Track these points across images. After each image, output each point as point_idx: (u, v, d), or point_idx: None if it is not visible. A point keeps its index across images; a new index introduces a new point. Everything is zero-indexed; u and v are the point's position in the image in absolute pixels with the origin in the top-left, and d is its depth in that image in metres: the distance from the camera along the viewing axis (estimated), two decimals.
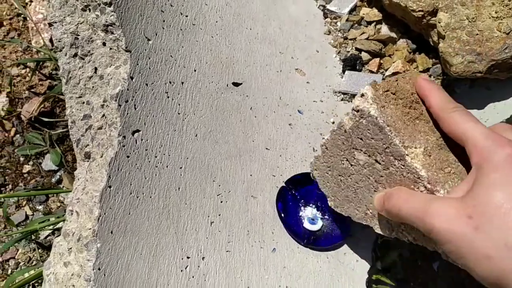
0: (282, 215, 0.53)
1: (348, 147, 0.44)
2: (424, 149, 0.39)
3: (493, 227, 0.32)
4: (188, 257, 0.46)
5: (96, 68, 0.50)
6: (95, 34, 0.50)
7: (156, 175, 0.47)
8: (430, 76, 0.64)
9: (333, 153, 0.47)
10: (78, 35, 0.50)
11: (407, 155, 0.38)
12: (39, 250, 0.63)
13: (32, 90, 0.72)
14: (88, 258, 0.40)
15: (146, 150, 0.47)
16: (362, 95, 0.41)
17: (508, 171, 0.33)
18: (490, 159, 0.34)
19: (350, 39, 0.69)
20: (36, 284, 0.60)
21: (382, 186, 0.42)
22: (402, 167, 0.39)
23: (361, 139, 0.42)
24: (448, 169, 0.39)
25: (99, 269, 0.39)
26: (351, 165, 0.45)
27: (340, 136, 0.45)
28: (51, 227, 0.63)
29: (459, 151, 0.38)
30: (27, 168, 0.69)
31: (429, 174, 0.38)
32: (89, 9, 0.50)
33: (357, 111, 0.41)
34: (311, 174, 0.51)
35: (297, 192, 0.55)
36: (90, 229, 0.41)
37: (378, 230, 0.45)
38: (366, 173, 0.44)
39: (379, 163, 0.42)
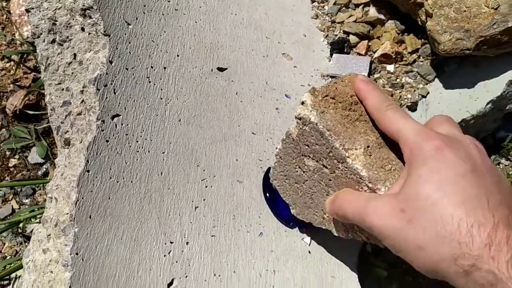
0: (267, 195, 0.52)
1: (298, 155, 0.45)
2: (364, 149, 0.40)
3: (424, 218, 0.32)
4: (171, 242, 0.45)
5: (75, 54, 0.49)
6: (73, 19, 0.49)
7: (137, 160, 0.46)
8: (419, 57, 0.63)
9: (287, 162, 0.47)
10: (56, 21, 0.49)
11: (348, 157, 0.39)
12: (26, 243, 0.62)
13: (17, 83, 0.71)
14: (66, 243, 0.39)
15: (127, 135, 0.46)
16: (302, 103, 0.42)
17: (435, 162, 0.34)
18: (419, 154, 0.35)
19: (338, 23, 0.68)
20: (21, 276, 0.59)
21: (333, 190, 0.43)
22: (346, 169, 0.40)
23: (307, 145, 0.43)
24: (389, 167, 0.39)
25: (76, 253, 0.38)
26: (303, 171, 0.46)
27: (289, 145, 0.46)
28: (37, 220, 0.62)
29: (399, 147, 0.39)
30: (13, 162, 0.68)
31: (369, 173, 0.39)
32: None
33: (300, 119, 0.42)
34: (272, 184, 0.51)
35: None
36: (67, 213, 0.40)
37: (336, 233, 0.45)
38: (317, 178, 0.45)
39: (326, 167, 0.43)
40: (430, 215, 0.32)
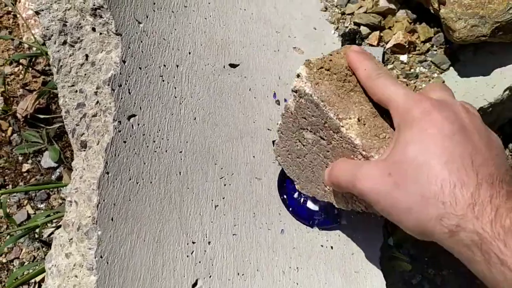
0: (284, 197, 0.52)
1: (297, 128, 0.46)
2: (358, 118, 0.40)
3: (409, 180, 0.33)
4: (193, 242, 0.45)
5: (87, 55, 0.49)
6: (83, 19, 0.48)
7: (155, 160, 0.46)
8: (432, 46, 0.62)
9: (288, 137, 0.48)
10: (67, 22, 0.48)
11: (342, 126, 0.40)
12: (43, 249, 0.62)
13: (26, 87, 0.70)
14: (90, 246, 0.38)
15: (144, 135, 0.46)
16: (298, 75, 0.43)
17: (423, 124, 0.34)
18: (407, 117, 0.35)
19: (348, 14, 0.67)
20: (41, 282, 0.58)
21: (331, 161, 0.44)
22: (341, 139, 0.41)
23: (304, 118, 0.44)
24: (383, 135, 0.40)
25: (101, 257, 0.38)
26: (303, 145, 0.46)
27: (288, 119, 0.46)
28: (53, 224, 0.62)
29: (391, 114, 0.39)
30: (26, 166, 0.67)
31: (363, 142, 0.39)
32: None
33: (295, 91, 0.43)
34: (276, 161, 0.52)
35: None
36: (89, 217, 0.39)
37: (337, 205, 0.46)
38: (316, 151, 0.45)
39: (323, 139, 0.43)
40: (416, 177, 0.32)
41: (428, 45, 0.62)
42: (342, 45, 0.66)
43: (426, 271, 0.53)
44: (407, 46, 0.62)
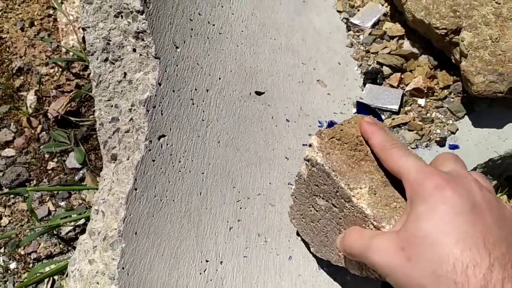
0: None
1: (310, 194, 0.47)
2: (369, 188, 0.41)
3: (422, 257, 0.33)
4: (207, 261, 0.47)
5: (125, 73, 0.52)
6: (126, 40, 0.52)
7: (179, 179, 0.49)
8: (450, 93, 0.64)
9: (301, 201, 0.49)
10: (110, 41, 0.52)
11: (353, 196, 0.41)
12: (60, 245, 0.65)
13: (60, 89, 0.74)
14: (113, 257, 0.41)
15: (171, 155, 0.49)
16: (310, 145, 0.44)
17: (434, 200, 0.35)
18: (419, 191, 0.36)
19: (372, 53, 0.70)
20: (56, 278, 0.62)
21: (343, 228, 0.44)
22: (352, 207, 0.42)
23: (317, 185, 0.45)
24: (394, 204, 0.41)
25: (123, 268, 0.41)
26: (316, 211, 0.47)
27: (302, 185, 0.48)
28: (72, 223, 0.65)
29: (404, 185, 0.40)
30: (51, 164, 0.71)
31: (374, 211, 0.40)
32: (122, 16, 0.52)
33: (308, 160, 0.44)
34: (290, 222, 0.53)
35: None
36: (116, 229, 0.42)
37: (352, 271, 0.46)
38: (329, 217, 0.46)
39: (336, 207, 0.44)
40: (429, 254, 0.33)
41: (446, 92, 0.65)
42: (363, 82, 0.69)
43: None
44: (425, 91, 0.64)
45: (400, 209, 0.41)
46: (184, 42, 0.55)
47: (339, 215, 0.44)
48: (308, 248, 0.53)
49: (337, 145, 0.44)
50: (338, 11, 0.75)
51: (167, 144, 0.49)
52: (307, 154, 0.44)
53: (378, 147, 0.42)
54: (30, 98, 0.73)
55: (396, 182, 0.42)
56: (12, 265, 0.64)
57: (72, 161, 0.70)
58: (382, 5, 0.73)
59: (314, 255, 0.53)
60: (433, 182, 0.36)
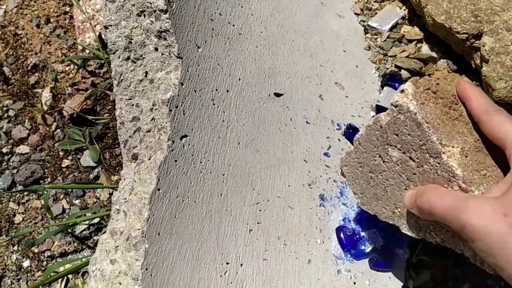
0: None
1: (383, 143, 0.44)
2: (461, 149, 0.39)
3: None
4: (227, 263, 0.47)
5: (147, 72, 0.52)
6: (148, 39, 0.52)
7: (200, 180, 0.48)
8: None
9: (366, 149, 0.46)
10: (132, 39, 0.52)
11: (444, 153, 0.38)
12: (74, 244, 0.65)
13: (75, 87, 0.74)
14: (137, 257, 0.41)
15: (193, 155, 0.49)
16: (402, 90, 0.41)
17: None
18: None
19: (390, 56, 0.70)
20: (70, 276, 0.61)
21: (414, 184, 0.42)
22: (437, 165, 0.39)
23: (396, 135, 0.42)
24: (484, 172, 0.39)
25: (146, 269, 0.41)
26: (384, 161, 0.45)
27: (375, 132, 0.44)
28: (87, 222, 0.65)
29: (498, 155, 0.38)
30: (66, 162, 0.71)
31: (464, 173, 0.38)
32: (144, 15, 0.51)
33: (396, 106, 0.41)
34: (340, 170, 0.51)
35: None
36: (139, 229, 0.42)
37: (405, 230, 0.45)
38: (399, 170, 0.43)
39: (413, 160, 0.41)
40: None
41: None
42: (381, 86, 0.68)
43: None
44: None
45: (490, 178, 0.39)
46: (206, 42, 0.55)
47: (415, 170, 0.41)
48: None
49: (432, 98, 0.41)
50: (356, 14, 0.75)
51: (189, 145, 0.49)
52: (396, 99, 0.41)
53: (479, 110, 0.40)
54: (45, 95, 0.73)
55: (489, 150, 0.40)
56: (26, 263, 0.64)
57: (86, 159, 0.70)
58: (400, 8, 0.73)
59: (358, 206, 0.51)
60: None
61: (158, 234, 0.43)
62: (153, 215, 0.43)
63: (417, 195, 0.40)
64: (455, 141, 0.39)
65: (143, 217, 0.42)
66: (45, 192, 0.59)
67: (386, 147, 0.44)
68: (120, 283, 0.41)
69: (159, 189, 0.44)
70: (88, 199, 0.69)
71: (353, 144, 0.63)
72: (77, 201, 0.68)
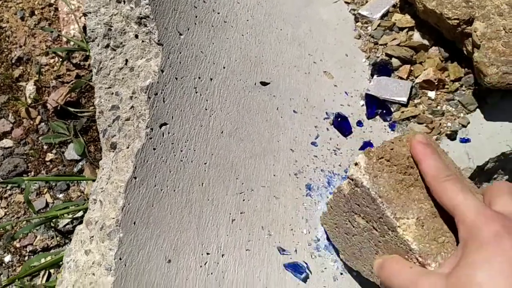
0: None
1: (349, 210, 0.45)
2: (417, 219, 0.39)
3: None
4: (208, 253, 0.46)
5: (127, 60, 0.50)
6: (128, 26, 0.50)
7: (180, 169, 0.47)
8: (461, 85, 0.62)
9: (337, 213, 0.47)
10: (112, 27, 0.50)
11: (399, 226, 0.38)
12: (57, 238, 0.64)
13: (60, 79, 0.72)
14: (110, 247, 0.39)
15: (172, 143, 0.47)
16: (356, 163, 0.41)
17: (493, 249, 0.33)
18: (476, 237, 0.34)
19: (381, 45, 0.68)
20: (51, 271, 0.60)
21: (381, 251, 0.42)
22: (396, 237, 0.39)
23: (358, 205, 0.43)
24: (442, 239, 0.38)
25: (120, 258, 0.39)
26: (353, 226, 0.45)
27: (340, 199, 0.45)
28: (70, 215, 0.63)
29: (453, 219, 0.37)
30: (50, 156, 0.69)
31: (420, 246, 0.38)
32: (124, 1, 0.50)
33: (352, 179, 0.42)
34: (321, 225, 0.52)
35: None
36: (113, 218, 0.40)
37: None
38: (367, 236, 0.44)
39: (376, 230, 0.42)
40: None
41: (457, 84, 0.63)
42: (371, 74, 0.67)
43: None
44: (436, 83, 0.62)
45: (448, 244, 0.38)
46: (188, 29, 0.53)
47: (379, 239, 0.42)
48: (337, 253, 0.51)
49: (385, 167, 0.41)
50: (346, 2, 0.73)
51: (168, 133, 0.47)
52: (351, 172, 0.41)
53: (430, 176, 0.39)
54: (29, 88, 0.72)
55: (446, 214, 0.39)
56: (7, 258, 0.62)
57: (71, 152, 0.69)
58: None
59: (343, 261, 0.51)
60: (491, 229, 0.33)
61: (134, 223, 0.41)
62: (129, 204, 0.41)
63: (380, 266, 0.41)
64: (410, 211, 0.39)
65: (118, 205, 0.41)
66: (26, 184, 0.57)
67: (352, 214, 0.44)
68: (93, 274, 0.40)
69: (135, 178, 0.43)
70: (72, 193, 0.67)
71: (342, 134, 0.61)
72: (61, 195, 0.67)
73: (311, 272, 0.50)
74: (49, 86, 0.72)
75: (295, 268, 0.50)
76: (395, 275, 0.38)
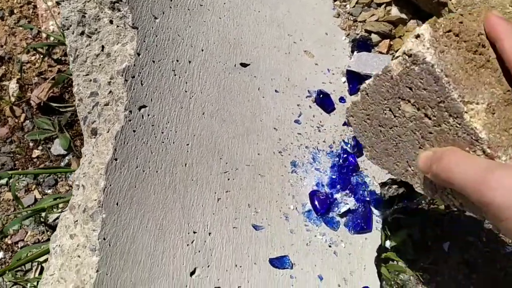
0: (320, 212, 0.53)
1: (393, 96, 0.38)
2: (487, 105, 0.33)
3: None
4: (194, 232, 0.46)
5: (103, 46, 0.50)
6: (102, 12, 0.50)
7: (162, 150, 0.47)
8: None
9: (375, 101, 0.40)
10: (86, 13, 0.50)
11: (466, 112, 0.32)
12: (48, 232, 0.64)
13: (42, 76, 0.72)
14: (94, 228, 0.39)
15: (153, 125, 0.47)
16: (418, 36, 0.34)
17: None
18: None
19: (360, 21, 0.69)
20: (44, 265, 0.60)
21: (430, 144, 0.36)
22: (458, 125, 0.33)
23: (410, 88, 0.36)
24: None
25: (104, 239, 0.39)
26: (395, 116, 0.39)
27: (385, 83, 0.38)
28: (59, 209, 0.63)
29: None
30: (36, 153, 0.69)
31: (490, 136, 0.32)
32: None
33: (409, 55, 0.34)
34: (346, 119, 0.45)
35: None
36: (95, 200, 0.40)
37: (418, 189, 0.39)
38: (412, 127, 0.37)
39: (429, 118, 0.35)
40: None
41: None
42: (352, 51, 0.67)
43: (421, 276, 0.54)
44: None
45: None
46: (163, 13, 0.53)
47: (431, 129, 0.35)
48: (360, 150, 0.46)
49: (453, 42, 0.34)
50: None
51: (148, 115, 0.47)
52: (410, 47, 0.34)
53: None
54: (12, 86, 0.72)
55: None
56: None
57: (57, 148, 0.68)
58: None
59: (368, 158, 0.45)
60: None
61: (117, 204, 0.41)
62: (110, 185, 0.41)
63: (434, 159, 0.34)
64: (480, 95, 0.33)
65: (99, 187, 0.41)
66: (11, 179, 0.57)
67: (397, 101, 0.38)
68: (79, 256, 0.40)
69: (116, 159, 0.43)
70: (61, 188, 0.67)
71: (324, 111, 0.61)
72: (49, 191, 0.66)
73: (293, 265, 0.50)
74: (31, 83, 0.72)
75: (281, 263, 0.49)
76: (458, 169, 0.31)
